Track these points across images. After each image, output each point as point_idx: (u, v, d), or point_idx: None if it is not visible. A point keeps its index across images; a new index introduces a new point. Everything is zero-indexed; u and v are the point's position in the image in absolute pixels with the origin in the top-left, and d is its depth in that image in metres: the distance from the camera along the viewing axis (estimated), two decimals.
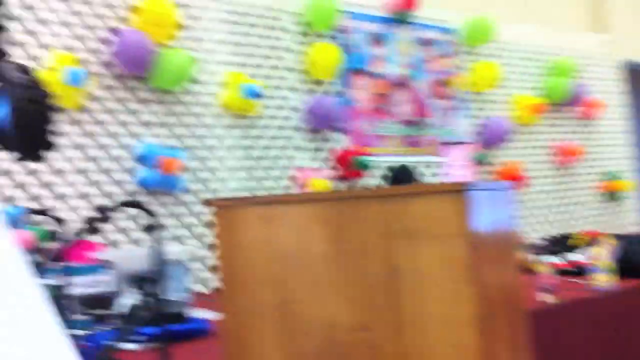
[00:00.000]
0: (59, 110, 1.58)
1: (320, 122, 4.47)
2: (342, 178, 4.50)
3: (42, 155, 1.52)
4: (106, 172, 3.64)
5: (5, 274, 1.28)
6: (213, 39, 4.12)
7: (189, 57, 3.85)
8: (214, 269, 3.12)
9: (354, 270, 1.71)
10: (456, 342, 1.60)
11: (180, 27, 3.90)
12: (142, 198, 3.73)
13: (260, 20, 4.32)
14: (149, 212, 2.08)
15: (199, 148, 3.99)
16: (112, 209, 2.99)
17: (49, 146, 1.51)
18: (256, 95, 4.06)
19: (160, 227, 2.00)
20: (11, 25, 3.37)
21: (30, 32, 3.47)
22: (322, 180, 4.32)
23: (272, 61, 4.36)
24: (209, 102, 4.06)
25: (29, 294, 1.32)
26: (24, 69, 1.50)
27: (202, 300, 2.98)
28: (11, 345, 1.25)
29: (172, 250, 3.08)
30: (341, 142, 4.60)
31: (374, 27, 4.88)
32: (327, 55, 4.49)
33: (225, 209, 1.87)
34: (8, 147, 1.49)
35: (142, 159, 3.74)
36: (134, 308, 2.31)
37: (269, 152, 4.27)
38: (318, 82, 4.55)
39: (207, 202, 1.93)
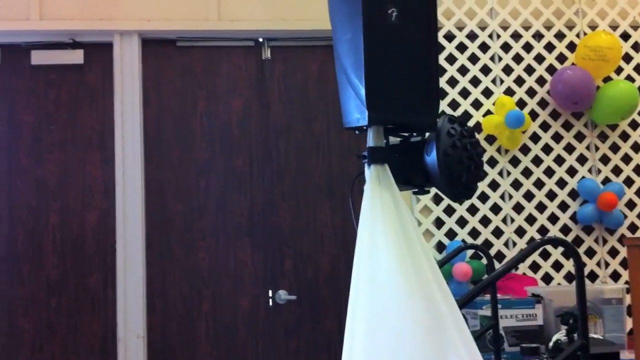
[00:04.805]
0: (482, 157, 1.73)
1: None
2: None
3: (464, 197, 1.68)
4: (541, 207, 3.73)
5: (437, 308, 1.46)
6: None
7: (632, 88, 3.71)
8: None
9: None
10: None
11: (623, 58, 3.80)
12: (579, 233, 3.72)
13: None
14: (575, 251, 2.10)
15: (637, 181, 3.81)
16: (542, 245, 3.06)
17: (470, 189, 1.66)
18: None
19: (583, 264, 2.00)
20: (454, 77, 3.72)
21: (474, 81, 3.77)
22: None
23: None
24: None
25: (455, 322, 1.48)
26: (456, 120, 1.69)
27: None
28: None
29: (609, 288, 3.01)
30: None
31: None
32: None
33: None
34: (438, 188, 1.69)
35: (578, 195, 3.74)
36: (560, 344, 2.34)
37: None
38: None
39: (623, 241, 1.87)
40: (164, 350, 3.53)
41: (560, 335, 2.49)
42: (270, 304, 3.60)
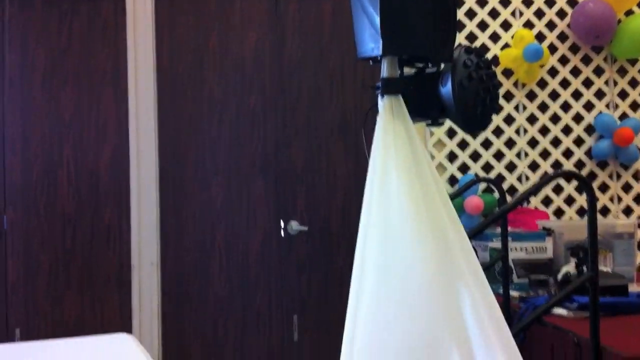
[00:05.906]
0: (498, 89, 1.71)
1: None
2: None
3: (478, 129, 1.68)
4: (556, 142, 3.71)
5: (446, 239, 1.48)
6: None
7: None
8: None
9: None
10: None
11: None
12: (593, 169, 3.71)
13: None
14: (588, 185, 2.10)
15: None
16: (555, 177, 3.05)
17: (485, 121, 1.65)
18: None
19: (596, 198, 2.00)
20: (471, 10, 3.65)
21: (493, 13, 3.70)
22: None
23: None
24: None
25: (466, 255, 1.50)
26: (473, 51, 1.67)
27: None
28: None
29: (621, 223, 3.02)
30: None
31: None
32: None
33: None
34: (452, 120, 1.68)
35: (594, 130, 3.71)
36: (569, 276, 2.36)
37: None
38: None
39: (637, 176, 1.86)
40: (177, 278, 3.60)
41: (569, 267, 2.51)
42: (283, 235, 3.64)
